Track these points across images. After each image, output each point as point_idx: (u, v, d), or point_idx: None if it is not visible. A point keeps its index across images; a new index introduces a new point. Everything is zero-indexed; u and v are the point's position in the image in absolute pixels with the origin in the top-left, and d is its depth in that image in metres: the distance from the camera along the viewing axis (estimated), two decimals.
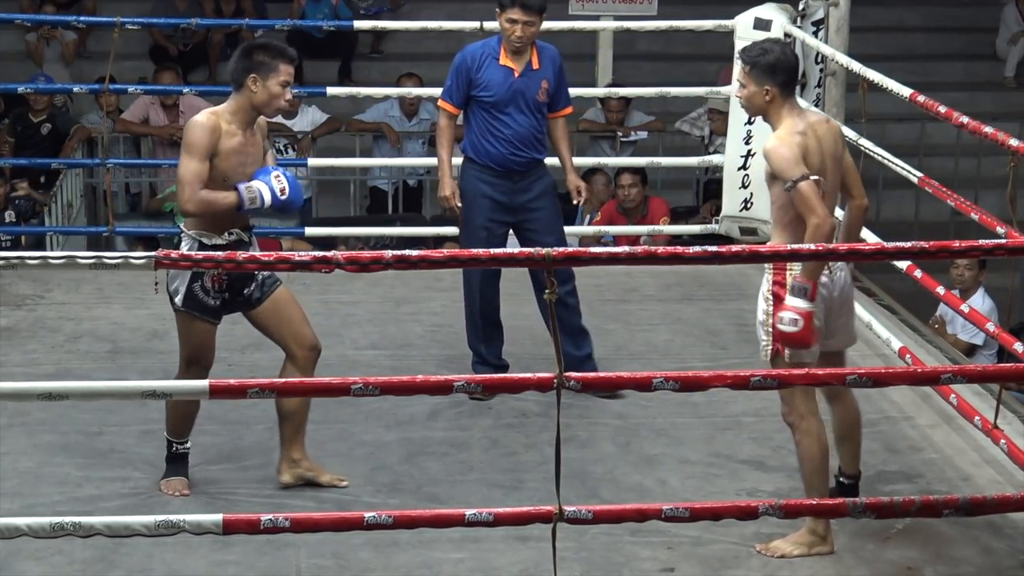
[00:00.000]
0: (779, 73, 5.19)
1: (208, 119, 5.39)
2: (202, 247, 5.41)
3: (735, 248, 4.66)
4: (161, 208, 10.11)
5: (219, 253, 5.13)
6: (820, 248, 4.81)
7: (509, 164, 6.48)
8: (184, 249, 5.42)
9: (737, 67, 5.34)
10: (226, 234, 5.46)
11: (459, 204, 6.51)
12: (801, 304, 5.05)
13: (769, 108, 5.22)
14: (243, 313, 5.58)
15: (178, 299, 5.45)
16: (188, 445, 5.61)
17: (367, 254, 4.46)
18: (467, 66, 6.46)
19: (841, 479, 5.49)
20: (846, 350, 5.44)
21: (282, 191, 5.42)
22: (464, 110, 6.54)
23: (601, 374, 4.76)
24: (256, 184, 5.42)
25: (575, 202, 6.76)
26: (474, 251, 4.69)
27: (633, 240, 9.05)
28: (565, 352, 5.96)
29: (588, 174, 10.54)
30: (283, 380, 5.11)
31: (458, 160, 6.66)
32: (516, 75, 6.46)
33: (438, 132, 6.60)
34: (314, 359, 5.54)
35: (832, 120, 5.51)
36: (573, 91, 8.96)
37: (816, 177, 5.07)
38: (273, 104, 5.43)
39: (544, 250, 4.34)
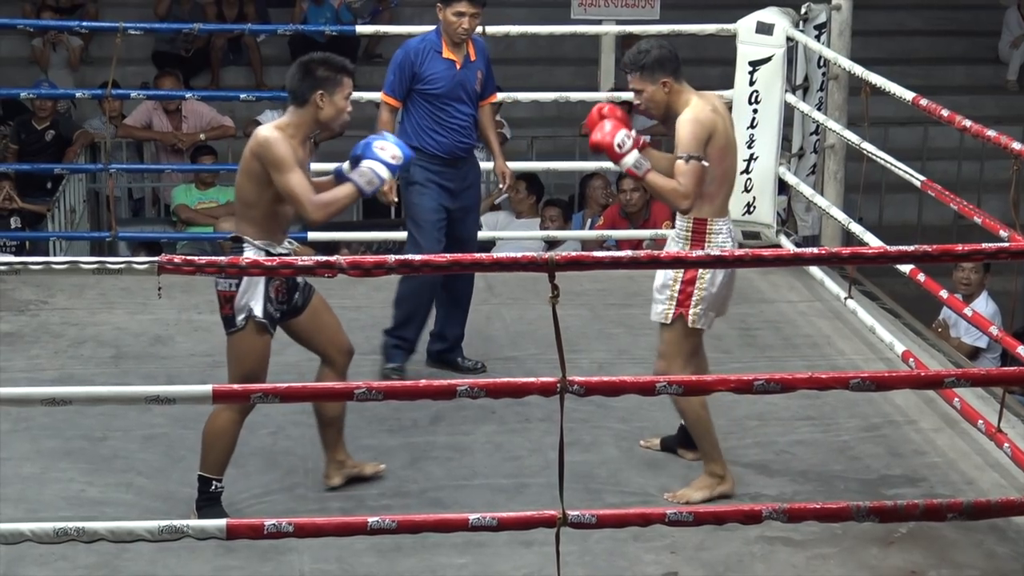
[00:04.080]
0: (667, 63, 5.58)
1: (279, 134, 5.28)
2: (268, 257, 5.30)
3: (738, 252, 4.67)
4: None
5: (222, 259, 5.12)
6: (823, 252, 4.81)
7: (456, 152, 6.69)
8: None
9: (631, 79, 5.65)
10: (286, 243, 5.40)
11: (396, 199, 6.62)
12: (628, 158, 5.50)
13: (671, 98, 5.60)
14: (281, 323, 5.49)
15: (258, 311, 5.27)
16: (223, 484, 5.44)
17: (370, 259, 4.46)
18: (411, 60, 6.64)
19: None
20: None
21: (394, 157, 5.33)
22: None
23: (605, 378, 4.75)
24: (366, 165, 5.31)
25: (502, 187, 7.10)
26: (477, 255, 4.70)
27: (636, 244, 9.05)
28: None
29: (587, 178, 10.56)
30: (286, 385, 5.09)
31: None
32: (458, 67, 6.68)
33: (380, 125, 6.73)
34: (349, 363, 5.56)
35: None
36: (576, 95, 9.04)
37: (706, 163, 5.46)
38: (340, 119, 5.38)
39: (547, 255, 4.37)
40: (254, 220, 5.33)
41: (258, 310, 5.29)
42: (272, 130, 5.30)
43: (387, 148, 5.34)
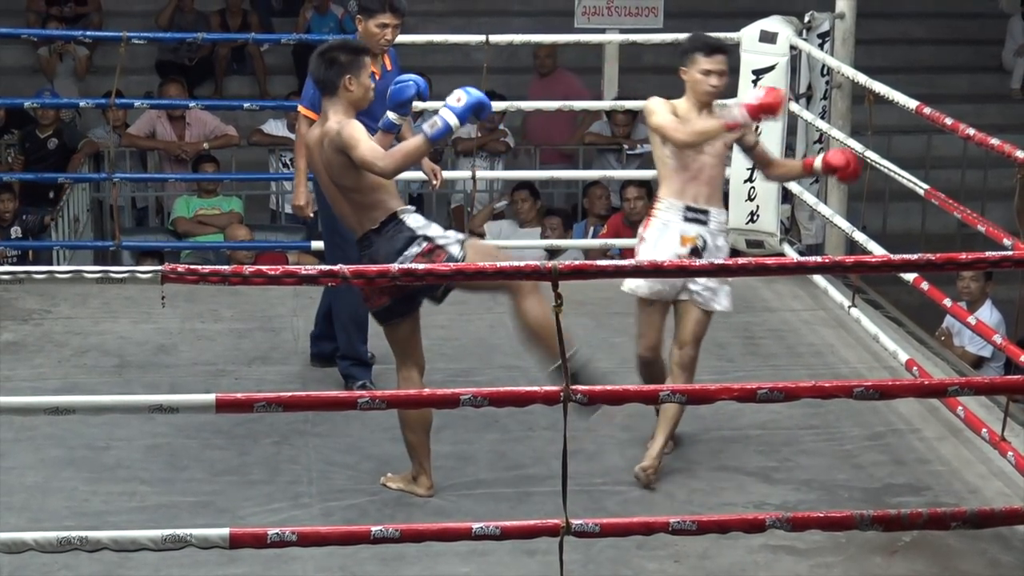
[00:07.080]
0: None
1: (348, 118, 5.49)
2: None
3: (741, 261, 4.67)
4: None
5: (225, 268, 5.12)
6: (827, 261, 4.81)
7: None
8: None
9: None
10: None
11: (312, 213, 6.51)
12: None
13: None
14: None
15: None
16: None
17: (373, 267, 4.46)
18: None
19: None
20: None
21: (458, 100, 5.33)
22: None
23: (608, 387, 4.75)
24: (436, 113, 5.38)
25: (433, 183, 6.92)
26: (480, 264, 4.69)
27: None
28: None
29: (588, 187, 10.58)
30: (289, 394, 5.08)
31: None
32: (378, 78, 6.52)
33: (298, 139, 6.63)
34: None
35: None
36: (580, 104, 9.03)
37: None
38: (367, 96, 5.58)
39: (551, 263, 4.36)
40: (388, 194, 5.51)
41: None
42: (338, 120, 5.46)
43: (455, 94, 5.35)
